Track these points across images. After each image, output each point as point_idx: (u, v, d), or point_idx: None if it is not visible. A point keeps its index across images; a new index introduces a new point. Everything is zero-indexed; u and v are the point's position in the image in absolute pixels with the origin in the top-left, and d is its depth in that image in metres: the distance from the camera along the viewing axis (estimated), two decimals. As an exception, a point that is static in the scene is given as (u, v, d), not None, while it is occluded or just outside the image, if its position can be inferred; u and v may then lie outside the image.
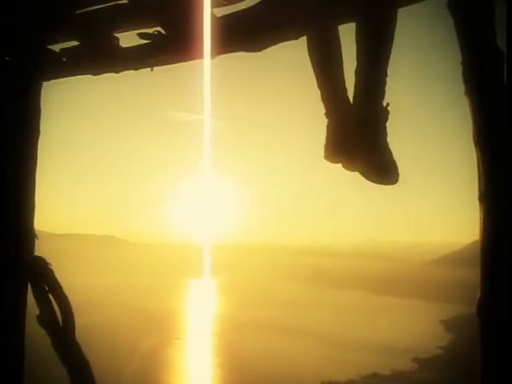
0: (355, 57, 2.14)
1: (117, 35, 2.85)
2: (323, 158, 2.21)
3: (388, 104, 2.15)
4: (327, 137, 2.20)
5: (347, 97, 2.19)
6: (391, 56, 2.13)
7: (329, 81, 2.18)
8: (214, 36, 2.46)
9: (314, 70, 2.21)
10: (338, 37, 2.21)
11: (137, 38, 2.75)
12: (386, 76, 2.13)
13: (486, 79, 1.79)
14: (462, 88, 1.84)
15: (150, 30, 2.70)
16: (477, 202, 1.78)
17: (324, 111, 2.22)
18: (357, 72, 2.14)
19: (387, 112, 2.15)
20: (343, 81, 2.20)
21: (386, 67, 2.12)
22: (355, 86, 2.15)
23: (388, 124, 2.16)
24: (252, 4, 2.48)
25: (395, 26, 2.12)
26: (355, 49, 2.13)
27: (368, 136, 2.13)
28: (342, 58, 2.20)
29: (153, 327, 51.59)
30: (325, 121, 2.25)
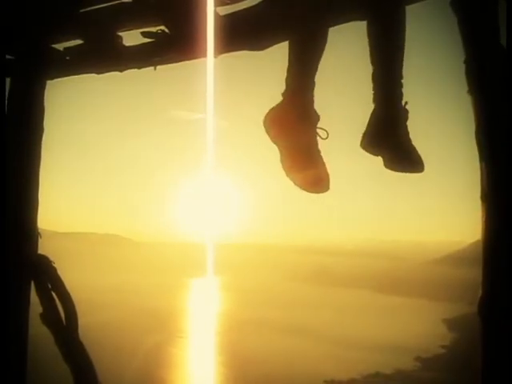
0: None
1: (120, 34, 2.86)
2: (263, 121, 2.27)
3: (406, 103, 2.18)
4: (273, 109, 2.24)
5: (313, 89, 2.20)
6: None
7: (303, 67, 2.20)
8: (217, 35, 2.46)
9: (289, 53, 2.22)
10: (326, 36, 2.22)
11: (140, 36, 2.76)
12: (402, 78, 2.16)
13: (489, 78, 1.78)
14: (464, 86, 1.84)
15: (153, 29, 2.71)
16: (480, 201, 1.78)
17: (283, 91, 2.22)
18: (373, 76, 2.17)
19: (407, 111, 2.19)
20: (314, 73, 2.21)
21: (401, 68, 2.15)
22: (374, 90, 2.18)
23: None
24: (255, 3, 2.49)
25: (405, 23, 2.14)
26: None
27: (390, 136, 2.16)
28: (321, 55, 2.21)
29: (156, 326, 51.69)
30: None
